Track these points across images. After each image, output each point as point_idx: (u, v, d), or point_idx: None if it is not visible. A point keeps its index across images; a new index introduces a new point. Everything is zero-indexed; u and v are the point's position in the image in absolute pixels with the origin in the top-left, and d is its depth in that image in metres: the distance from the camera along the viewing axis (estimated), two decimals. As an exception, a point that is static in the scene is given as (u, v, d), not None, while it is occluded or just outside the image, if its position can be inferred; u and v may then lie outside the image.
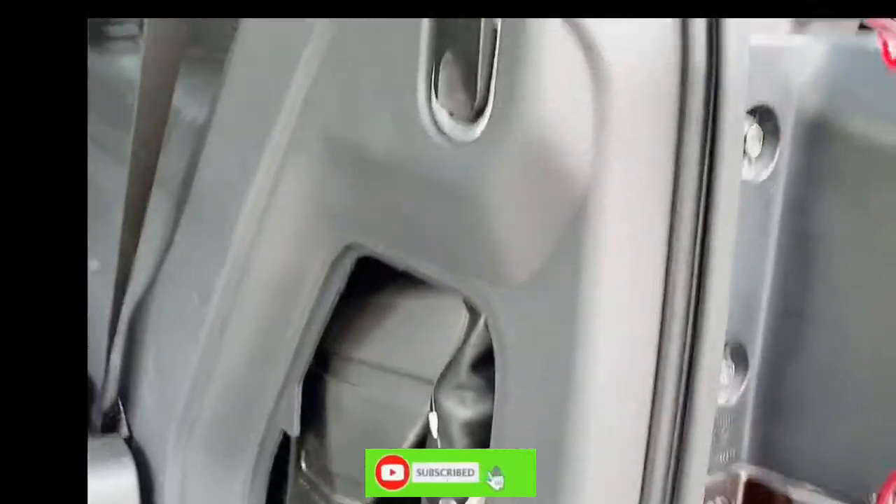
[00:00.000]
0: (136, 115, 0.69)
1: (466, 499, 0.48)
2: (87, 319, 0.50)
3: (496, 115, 0.43)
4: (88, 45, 0.48)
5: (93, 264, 0.77)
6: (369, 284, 0.63)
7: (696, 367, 0.45)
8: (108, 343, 0.78)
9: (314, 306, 0.63)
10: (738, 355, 0.51)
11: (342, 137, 0.53)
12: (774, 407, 0.52)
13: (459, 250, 0.50)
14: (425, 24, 0.46)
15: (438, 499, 0.50)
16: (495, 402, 0.49)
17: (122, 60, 0.99)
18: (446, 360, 0.57)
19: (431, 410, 0.58)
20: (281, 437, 0.70)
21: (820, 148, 0.48)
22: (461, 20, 0.44)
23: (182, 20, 0.67)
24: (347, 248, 0.59)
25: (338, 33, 0.52)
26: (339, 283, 0.61)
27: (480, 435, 0.53)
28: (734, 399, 0.51)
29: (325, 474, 0.70)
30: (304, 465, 0.73)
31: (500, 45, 0.42)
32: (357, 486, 0.62)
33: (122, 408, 0.79)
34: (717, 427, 0.49)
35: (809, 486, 0.50)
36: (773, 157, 0.49)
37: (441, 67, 0.45)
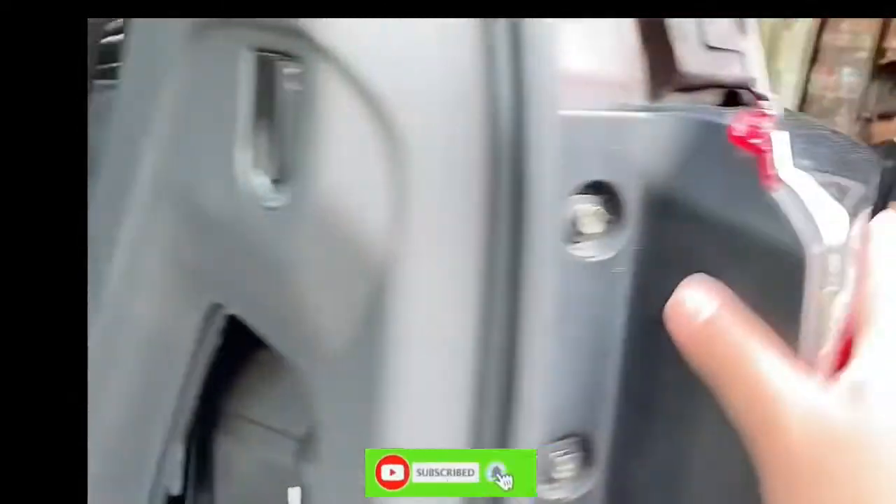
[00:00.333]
0: None
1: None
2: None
3: (296, 182, 0.42)
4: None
5: None
6: (253, 338, 0.62)
7: (512, 435, 0.41)
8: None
9: (190, 363, 0.62)
10: (584, 447, 0.47)
11: (185, 194, 0.52)
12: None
13: (286, 319, 0.48)
14: (246, 84, 0.44)
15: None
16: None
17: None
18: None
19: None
20: (166, 497, 0.69)
21: (667, 227, 0.45)
22: (278, 85, 0.43)
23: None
24: (217, 306, 0.57)
25: (189, 83, 0.51)
26: (213, 339, 0.60)
27: None
28: (579, 494, 0.47)
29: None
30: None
31: (296, 110, 0.41)
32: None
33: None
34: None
35: None
36: (618, 237, 0.45)
37: (259, 130, 0.44)
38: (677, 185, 0.45)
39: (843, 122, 4.26)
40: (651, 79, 0.46)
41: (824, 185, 0.43)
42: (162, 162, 0.55)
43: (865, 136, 4.17)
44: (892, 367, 0.40)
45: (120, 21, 0.80)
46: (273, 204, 0.43)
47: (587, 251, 0.45)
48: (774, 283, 0.41)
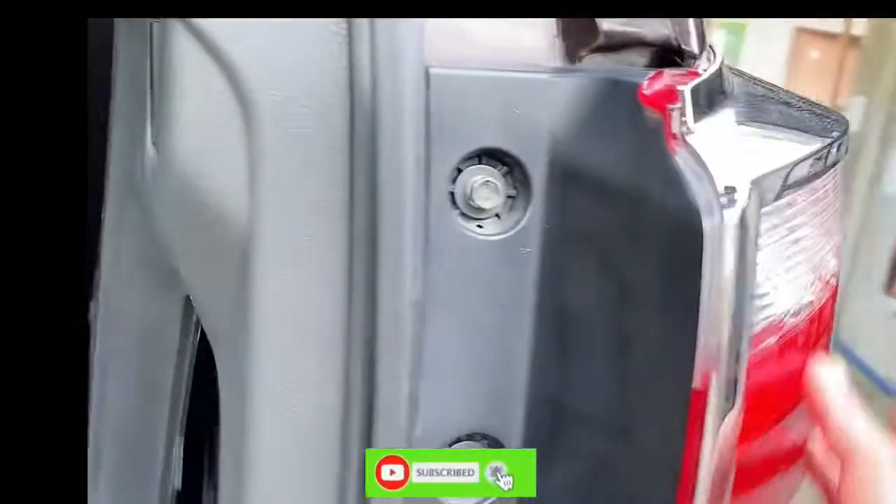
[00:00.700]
0: None
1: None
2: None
3: (162, 150, 0.40)
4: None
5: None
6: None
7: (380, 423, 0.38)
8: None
9: (178, 355, 0.62)
10: (494, 446, 0.42)
11: (131, 177, 0.52)
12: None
13: (195, 299, 0.46)
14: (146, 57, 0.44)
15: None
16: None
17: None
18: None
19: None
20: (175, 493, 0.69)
21: (576, 201, 0.40)
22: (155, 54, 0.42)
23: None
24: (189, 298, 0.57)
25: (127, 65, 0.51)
26: (194, 332, 0.60)
27: None
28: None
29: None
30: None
31: (161, 78, 0.39)
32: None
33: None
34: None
35: None
36: (523, 212, 0.41)
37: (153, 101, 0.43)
38: (584, 152, 0.39)
39: None
40: (567, 38, 0.41)
41: (764, 140, 0.37)
42: (119, 147, 0.56)
43: None
44: None
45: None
46: (155, 174, 0.42)
47: (487, 228, 0.41)
48: (674, 258, 0.36)
